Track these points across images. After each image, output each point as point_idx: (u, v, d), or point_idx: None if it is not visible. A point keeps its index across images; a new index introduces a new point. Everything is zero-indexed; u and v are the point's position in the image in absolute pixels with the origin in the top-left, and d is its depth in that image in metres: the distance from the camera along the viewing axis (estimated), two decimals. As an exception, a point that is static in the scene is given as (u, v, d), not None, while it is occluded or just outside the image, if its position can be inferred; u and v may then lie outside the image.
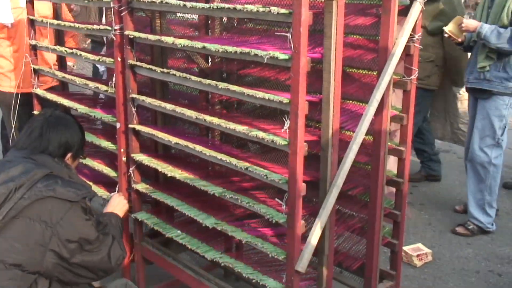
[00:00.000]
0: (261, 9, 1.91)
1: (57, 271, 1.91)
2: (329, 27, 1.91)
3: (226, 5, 2.05)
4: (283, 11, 1.84)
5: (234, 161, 2.12)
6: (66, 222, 1.89)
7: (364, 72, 2.28)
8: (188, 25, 3.12)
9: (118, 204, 2.41)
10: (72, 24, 3.15)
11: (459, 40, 3.73)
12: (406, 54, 2.18)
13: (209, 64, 2.80)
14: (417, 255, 3.43)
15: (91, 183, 2.97)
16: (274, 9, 1.87)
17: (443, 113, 4.67)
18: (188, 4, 2.21)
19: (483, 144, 3.74)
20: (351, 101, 2.30)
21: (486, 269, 3.43)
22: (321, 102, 2.00)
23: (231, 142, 2.77)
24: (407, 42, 2.13)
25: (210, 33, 2.82)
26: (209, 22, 2.83)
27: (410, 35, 2.13)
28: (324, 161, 2.01)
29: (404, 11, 2.15)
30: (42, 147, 2.08)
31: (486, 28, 3.47)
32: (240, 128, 2.07)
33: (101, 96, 3.45)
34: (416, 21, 2.14)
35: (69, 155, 2.15)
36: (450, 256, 3.58)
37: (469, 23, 3.56)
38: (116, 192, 2.72)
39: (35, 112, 3.39)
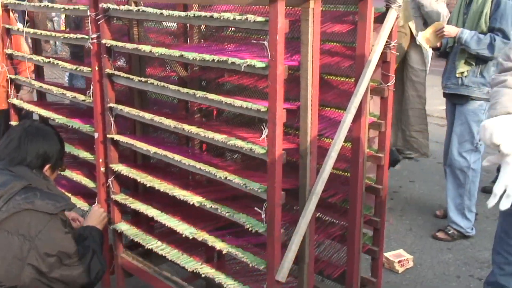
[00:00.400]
0: (237, 17, 1.91)
1: (35, 286, 1.87)
2: (305, 34, 1.91)
3: (203, 13, 2.04)
4: (259, 19, 1.84)
5: (213, 170, 2.10)
6: (45, 235, 1.86)
7: (341, 79, 2.28)
8: (166, 33, 3.11)
9: (98, 217, 2.38)
10: (49, 33, 3.12)
11: (429, 46, 3.77)
12: (383, 61, 2.19)
13: (188, 72, 2.78)
14: (399, 261, 3.44)
15: (69, 194, 2.93)
16: (251, 17, 1.86)
17: (395, 120, 4.70)
18: (165, 12, 2.19)
19: (462, 149, 3.78)
20: (329, 108, 2.30)
21: (466, 273, 3.45)
22: (299, 110, 2.00)
23: (211, 151, 2.75)
24: (384, 49, 2.14)
25: (188, 41, 2.81)
26: (188, 30, 2.82)
27: (387, 42, 2.15)
28: (303, 168, 2.00)
29: (380, 18, 2.16)
30: (20, 158, 2.05)
31: (467, 34, 3.53)
32: (219, 137, 2.06)
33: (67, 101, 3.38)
34: (392, 28, 2.15)
35: (47, 166, 2.12)
36: (431, 261, 3.60)
37: (450, 29, 3.61)
38: (96, 204, 2.68)
39: (12, 123, 3.35)
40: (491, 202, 1.67)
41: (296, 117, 2.05)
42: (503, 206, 1.65)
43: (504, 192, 1.66)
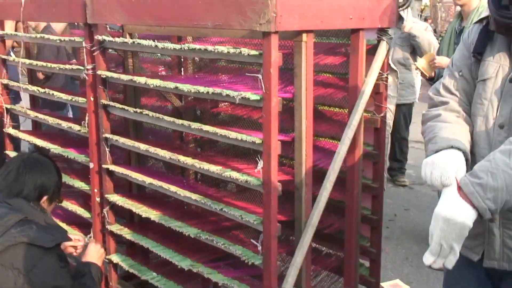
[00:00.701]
0: (231, 50, 1.93)
1: (28, 321, 1.84)
2: (299, 67, 1.93)
3: (198, 46, 2.06)
4: (253, 52, 1.86)
5: (208, 201, 2.10)
6: (40, 269, 1.84)
7: (335, 110, 2.30)
8: (161, 63, 3.13)
9: (96, 253, 2.34)
10: (44, 64, 3.14)
11: (428, 75, 3.82)
12: (376, 92, 2.21)
13: (183, 102, 2.80)
14: (396, 291, 3.42)
15: (64, 224, 2.91)
16: (245, 51, 1.88)
17: None
18: (160, 44, 2.22)
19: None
20: (324, 139, 2.31)
21: (463, 302, 3.42)
22: (293, 141, 2.01)
23: (206, 180, 2.75)
24: (376, 80, 2.17)
25: (183, 71, 2.83)
26: (182, 60, 2.85)
27: (379, 73, 2.17)
28: (298, 200, 2.00)
29: (371, 50, 2.19)
30: (18, 189, 2.03)
31: None
32: (214, 169, 2.06)
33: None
34: (384, 60, 2.18)
35: (44, 198, 2.11)
36: (428, 290, 3.58)
37: (441, 60, 3.66)
38: (91, 237, 2.66)
39: (7, 152, 3.35)
40: (428, 260, 1.42)
41: (291, 147, 2.06)
42: (449, 264, 1.41)
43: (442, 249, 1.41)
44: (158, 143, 2.50)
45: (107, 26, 2.57)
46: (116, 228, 2.60)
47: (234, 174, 1.99)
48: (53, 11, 2.88)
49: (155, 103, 3.01)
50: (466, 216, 1.40)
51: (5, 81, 3.27)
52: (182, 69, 2.86)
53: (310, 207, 2.02)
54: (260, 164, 1.87)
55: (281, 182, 1.90)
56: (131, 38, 2.54)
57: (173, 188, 2.25)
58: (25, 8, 2.95)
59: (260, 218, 1.92)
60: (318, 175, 2.08)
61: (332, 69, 2.28)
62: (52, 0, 2.78)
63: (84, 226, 2.89)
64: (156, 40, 2.33)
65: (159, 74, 3.02)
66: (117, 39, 2.40)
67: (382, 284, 3.01)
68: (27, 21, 3.19)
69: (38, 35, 3.07)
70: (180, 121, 2.18)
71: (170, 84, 2.16)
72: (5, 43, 3.29)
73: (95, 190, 2.65)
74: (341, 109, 2.27)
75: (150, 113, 2.30)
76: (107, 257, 2.62)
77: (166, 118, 2.23)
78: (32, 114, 3.12)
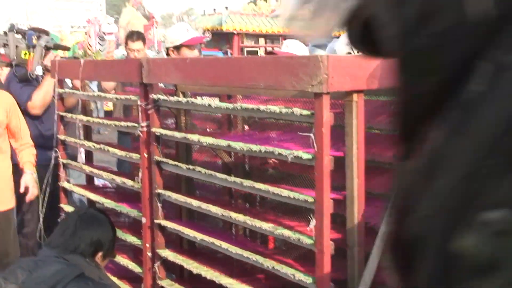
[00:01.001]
0: (284, 110, 1.98)
1: None
2: (350, 126, 1.95)
3: (250, 106, 2.12)
4: (305, 112, 1.90)
5: (260, 259, 2.11)
6: None
7: (387, 167, 2.29)
8: (210, 119, 3.21)
9: None
10: (100, 120, 3.28)
11: None
12: (428, 149, 2.20)
13: (232, 158, 2.85)
14: None
15: (115, 278, 2.96)
16: (297, 111, 1.93)
17: None
18: (213, 104, 2.29)
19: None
20: (376, 196, 2.29)
21: None
22: (345, 199, 2.01)
23: (255, 235, 2.76)
24: (428, 137, 2.16)
25: (232, 127, 2.90)
26: (232, 117, 2.91)
27: (431, 130, 2.16)
28: (350, 259, 1.99)
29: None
30: (74, 245, 2.10)
31: None
32: (266, 226, 2.08)
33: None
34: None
35: (99, 254, 2.17)
36: None
37: None
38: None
39: (62, 206, 3.45)
40: None
41: (342, 205, 2.05)
42: None
43: None
44: (209, 199, 2.55)
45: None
46: (166, 283, 2.62)
47: (286, 232, 1.99)
48: (110, 71, 3.03)
49: (205, 158, 3.08)
50: None
51: (63, 137, 3.42)
52: (231, 124, 2.92)
53: (362, 265, 1.99)
54: (313, 222, 1.88)
55: (333, 241, 1.90)
56: (184, 96, 2.63)
57: (224, 245, 2.27)
58: (84, 68, 3.12)
59: (313, 278, 1.91)
60: (370, 232, 2.06)
61: (382, 126, 2.29)
62: (110, 60, 2.93)
63: (134, 280, 2.92)
64: (206, 97, 2.41)
65: (209, 130, 3.09)
66: (171, 98, 2.49)
67: None
68: (84, 80, 3.35)
69: (96, 94, 3.23)
70: (232, 178, 2.22)
71: (223, 142, 2.22)
72: (63, 101, 3.46)
73: (147, 245, 2.70)
74: (392, 166, 2.26)
75: (203, 170, 2.35)
76: (157, 312, 2.64)
77: (219, 175, 2.28)
78: (87, 169, 3.24)
